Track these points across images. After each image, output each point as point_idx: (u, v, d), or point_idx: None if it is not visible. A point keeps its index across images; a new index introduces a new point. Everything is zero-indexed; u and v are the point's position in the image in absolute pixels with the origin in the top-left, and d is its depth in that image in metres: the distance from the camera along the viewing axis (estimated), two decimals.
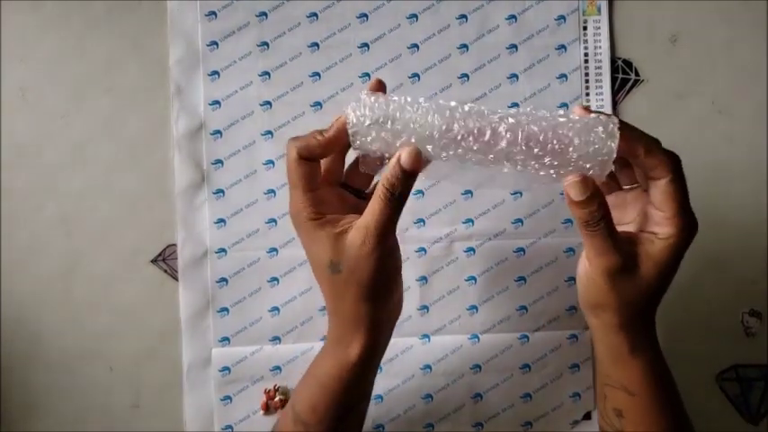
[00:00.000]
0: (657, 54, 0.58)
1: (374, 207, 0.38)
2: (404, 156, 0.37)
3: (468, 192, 0.57)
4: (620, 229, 0.39)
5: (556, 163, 0.36)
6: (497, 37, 0.57)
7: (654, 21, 0.58)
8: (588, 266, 0.39)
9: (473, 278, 0.57)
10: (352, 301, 0.39)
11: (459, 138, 0.37)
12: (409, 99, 0.38)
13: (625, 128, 0.37)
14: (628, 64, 0.58)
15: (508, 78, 0.57)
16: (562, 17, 0.57)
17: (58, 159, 0.56)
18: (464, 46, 0.57)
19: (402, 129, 0.37)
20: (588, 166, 0.36)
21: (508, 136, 0.36)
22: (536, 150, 0.36)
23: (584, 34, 0.57)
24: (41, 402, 0.56)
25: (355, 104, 0.38)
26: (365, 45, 0.56)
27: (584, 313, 0.42)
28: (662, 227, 0.38)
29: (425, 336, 0.57)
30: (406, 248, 0.57)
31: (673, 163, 0.37)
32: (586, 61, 0.57)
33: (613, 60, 0.57)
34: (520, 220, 0.57)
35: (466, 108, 0.37)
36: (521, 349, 0.57)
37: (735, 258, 0.58)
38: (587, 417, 0.57)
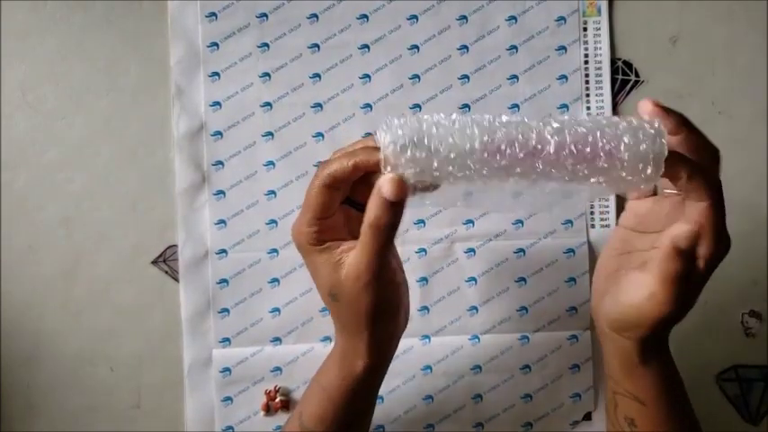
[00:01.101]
0: (657, 55, 0.58)
1: (363, 242, 0.36)
2: (385, 185, 0.35)
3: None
4: (650, 235, 0.39)
5: (606, 165, 0.34)
6: (497, 38, 0.57)
7: (654, 22, 0.58)
8: (640, 298, 0.37)
9: (473, 279, 0.57)
10: (353, 325, 0.39)
11: (503, 146, 0.34)
12: (442, 115, 0.35)
13: (683, 127, 0.35)
14: (628, 65, 0.58)
15: (508, 79, 0.57)
16: (562, 18, 0.57)
17: (59, 160, 0.56)
18: (464, 47, 0.57)
19: (439, 145, 0.34)
20: (641, 166, 0.34)
21: (556, 138, 0.34)
22: (587, 151, 0.34)
23: (585, 35, 0.57)
24: (41, 402, 0.56)
25: (385, 126, 0.35)
26: (365, 46, 0.56)
27: (595, 321, 0.41)
28: (698, 246, 0.36)
29: (426, 336, 0.57)
30: (407, 249, 0.57)
31: (714, 189, 0.35)
32: (586, 62, 0.57)
33: (613, 61, 0.57)
34: (520, 221, 0.57)
35: (503, 118, 0.35)
36: (521, 350, 0.57)
37: (735, 259, 0.57)
38: (587, 417, 0.58)
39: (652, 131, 0.34)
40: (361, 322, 0.38)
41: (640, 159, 0.34)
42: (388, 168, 0.35)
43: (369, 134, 0.55)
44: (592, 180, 0.35)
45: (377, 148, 0.36)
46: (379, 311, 0.38)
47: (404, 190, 0.35)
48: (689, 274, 0.36)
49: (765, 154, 0.58)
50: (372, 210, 0.35)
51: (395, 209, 0.35)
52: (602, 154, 0.34)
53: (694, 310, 0.57)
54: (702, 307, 0.58)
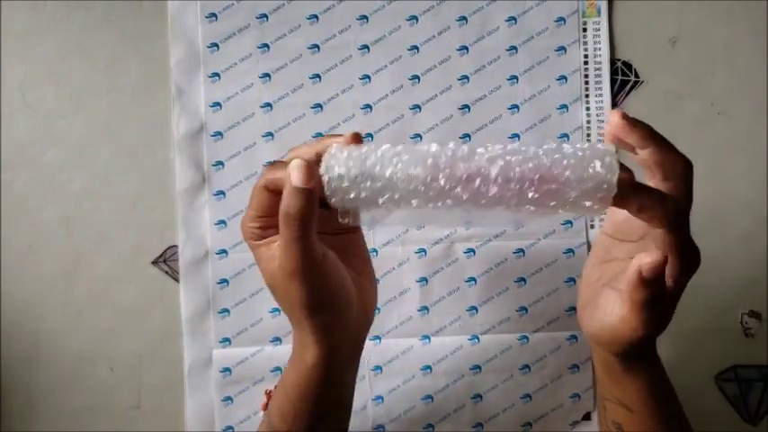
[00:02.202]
0: (657, 55, 0.58)
1: (281, 233, 0.36)
2: (292, 173, 0.34)
3: None
4: (628, 244, 0.39)
5: (553, 203, 0.34)
6: (497, 39, 0.57)
7: (653, 22, 0.58)
8: (614, 319, 0.37)
9: (473, 279, 0.57)
10: (294, 317, 0.39)
11: (447, 188, 0.34)
12: (386, 149, 0.34)
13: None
14: (627, 65, 0.58)
15: (508, 80, 0.57)
16: (562, 19, 0.57)
17: (59, 160, 0.56)
18: (464, 48, 0.57)
19: (383, 186, 0.34)
20: (588, 204, 0.33)
21: (499, 180, 0.33)
22: (530, 195, 0.33)
23: (584, 36, 0.57)
24: (41, 402, 0.56)
25: (329, 159, 0.35)
26: (365, 47, 0.56)
27: (580, 327, 0.41)
28: (669, 268, 0.35)
29: (425, 336, 0.57)
30: (407, 249, 0.57)
31: (668, 215, 0.34)
32: (586, 63, 0.57)
33: (613, 62, 0.58)
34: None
35: (449, 153, 0.34)
36: (520, 350, 0.57)
37: (734, 259, 0.58)
38: (587, 417, 0.58)
39: (601, 171, 0.33)
40: (296, 313, 0.38)
41: (586, 197, 0.33)
42: (333, 200, 0.35)
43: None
44: (538, 213, 0.34)
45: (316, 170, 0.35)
46: (313, 303, 0.37)
47: (311, 176, 0.34)
48: (658, 299, 0.35)
49: (765, 154, 0.58)
50: (284, 198, 0.35)
51: (304, 195, 0.34)
52: (546, 194, 0.33)
53: (694, 311, 0.57)
54: (702, 307, 0.58)
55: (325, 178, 0.35)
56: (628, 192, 0.33)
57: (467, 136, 0.57)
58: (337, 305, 0.39)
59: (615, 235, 0.41)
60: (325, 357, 0.39)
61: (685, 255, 0.35)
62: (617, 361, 0.39)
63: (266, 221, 0.38)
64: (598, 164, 0.33)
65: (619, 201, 0.33)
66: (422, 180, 0.34)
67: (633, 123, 0.35)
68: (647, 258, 0.34)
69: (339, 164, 0.34)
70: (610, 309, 0.38)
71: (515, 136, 0.57)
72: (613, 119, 0.36)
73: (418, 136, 0.57)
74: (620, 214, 0.39)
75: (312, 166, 0.35)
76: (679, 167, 0.35)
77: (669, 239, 0.34)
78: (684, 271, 0.35)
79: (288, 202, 0.34)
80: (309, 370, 0.39)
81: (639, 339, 0.36)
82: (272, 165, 0.37)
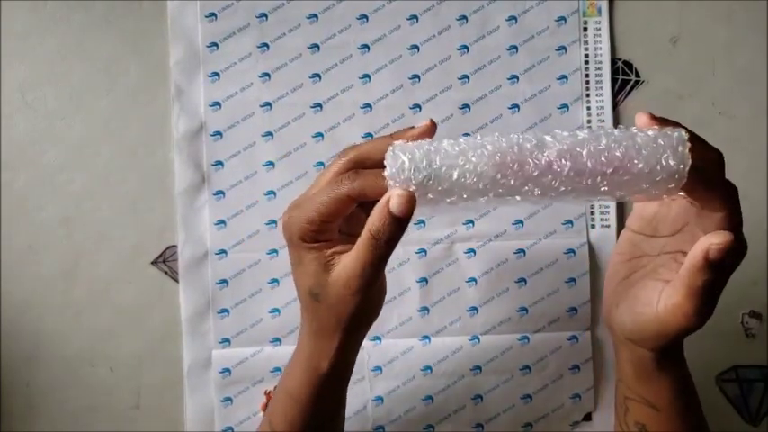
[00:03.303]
0: (658, 55, 0.58)
1: (359, 252, 0.35)
2: (394, 200, 0.33)
3: None
4: (659, 239, 0.38)
5: (621, 193, 0.33)
6: (497, 38, 0.57)
7: (654, 22, 0.58)
8: (662, 309, 0.36)
9: (473, 279, 0.57)
10: (329, 327, 0.38)
11: (517, 185, 0.33)
12: (449, 147, 0.33)
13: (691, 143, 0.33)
14: (628, 65, 0.58)
15: (508, 80, 0.57)
16: (562, 18, 0.57)
17: (59, 160, 0.56)
18: (464, 47, 0.57)
19: (450, 187, 0.33)
20: (656, 193, 0.33)
21: (571, 175, 0.32)
22: (602, 189, 0.33)
23: (585, 35, 0.57)
24: (41, 402, 0.56)
25: (392, 161, 0.34)
26: (365, 46, 0.56)
27: (609, 327, 0.40)
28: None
29: (426, 337, 0.57)
30: (407, 249, 0.57)
31: (729, 198, 0.34)
32: (587, 62, 0.57)
33: (614, 61, 0.57)
34: (520, 222, 0.57)
35: (515, 148, 0.33)
36: (521, 350, 0.57)
37: None
38: (587, 418, 0.57)
39: (673, 164, 0.32)
40: (337, 327, 0.38)
41: (658, 188, 0.33)
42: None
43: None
44: (604, 198, 0.34)
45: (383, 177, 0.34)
46: (358, 318, 0.38)
47: (412, 207, 0.34)
48: (717, 284, 0.35)
49: (765, 154, 0.58)
50: (376, 221, 0.34)
51: (400, 224, 0.34)
52: (617, 185, 0.33)
53: None
54: None
55: (390, 183, 0.34)
56: (697, 181, 0.33)
57: (467, 136, 0.56)
58: (374, 320, 0.39)
59: (644, 231, 0.40)
60: (342, 368, 0.40)
61: (739, 244, 0.34)
62: (652, 357, 0.38)
63: (327, 226, 0.36)
64: (670, 155, 0.32)
65: (688, 189, 0.33)
66: (491, 179, 0.33)
67: (663, 121, 0.34)
68: (715, 239, 0.33)
69: (405, 167, 0.33)
70: (655, 299, 0.36)
71: None
72: (642, 120, 0.34)
73: None
74: (650, 209, 0.39)
75: (415, 198, 0.33)
76: (715, 157, 0.35)
77: (726, 224, 0.34)
78: (736, 261, 0.35)
79: (380, 228, 0.34)
80: (323, 377, 0.39)
81: (690, 328, 0.35)
82: (359, 174, 0.35)
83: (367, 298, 0.37)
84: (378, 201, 0.34)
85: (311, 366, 0.39)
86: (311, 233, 0.36)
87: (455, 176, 0.33)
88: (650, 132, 0.33)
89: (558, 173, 0.32)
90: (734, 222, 0.34)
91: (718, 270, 0.34)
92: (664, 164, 0.32)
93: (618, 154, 0.32)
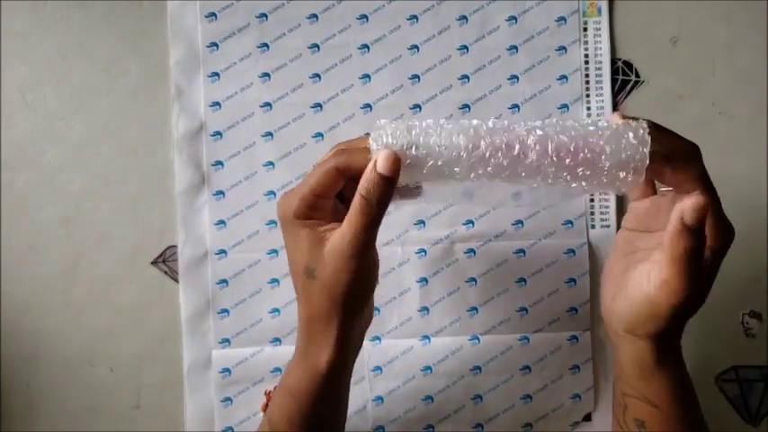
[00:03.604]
0: (658, 55, 0.58)
1: (351, 217, 0.37)
2: (380, 160, 0.36)
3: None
4: (653, 234, 0.39)
5: (588, 173, 0.35)
6: (497, 38, 0.57)
7: (654, 22, 0.58)
8: (655, 290, 0.36)
9: (473, 279, 0.57)
10: (324, 310, 0.38)
11: (487, 155, 0.35)
12: (430, 122, 0.37)
13: (657, 132, 0.35)
14: (628, 65, 0.58)
15: (508, 80, 0.57)
16: (562, 18, 0.57)
17: (58, 160, 0.56)
18: (464, 47, 0.57)
19: (427, 154, 0.36)
20: (622, 175, 0.35)
21: (537, 148, 0.35)
22: (567, 161, 0.35)
23: (585, 35, 0.57)
24: (41, 402, 0.56)
25: (375, 133, 0.37)
26: (365, 46, 0.56)
27: (608, 323, 0.41)
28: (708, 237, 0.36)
29: (425, 337, 0.57)
30: (407, 250, 0.57)
31: (699, 177, 0.36)
32: (587, 62, 0.57)
33: (614, 61, 0.57)
34: (520, 222, 0.57)
35: (490, 124, 0.36)
36: (521, 351, 0.57)
37: (735, 259, 0.57)
38: (587, 418, 0.57)
39: (635, 142, 0.35)
40: (332, 306, 0.38)
41: (621, 168, 0.35)
42: None
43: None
44: (573, 185, 0.36)
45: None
46: (353, 296, 0.38)
47: (398, 166, 0.36)
48: (699, 254, 0.35)
49: (765, 154, 0.58)
50: (365, 183, 0.36)
51: (388, 183, 0.36)
52: (582, 162, 0.35)
53: None
54: (702, 307, 0.57)
55: (373, 146, 0.37)
56: (660, 158, 0.35)
57: None
58: (365, 305, 0.40)
59: (638, 227, 0.41)
60: (340, 361, 0.39)
61: (720, 223, 0.36)
62: (651, 353, 0.38)
63: (318, 202, 0.38)
64: (631, 135, 0.35)
65: (653, 169, 0.35)
66: (464, 147, 0.36)
67: (633, 119, 0.36)
68: (688, 201, 0.34)
69: (386, 134, 0.36)
70: (645, 279, 0.37)
71: None
72: (612, 121, 0.37)
73: None
74: (642, 206, 0.41)
75: (399, 158, 0.36)
76: (689, 149, 0.37)
77: (705, 201, 0.34)
78: (720, 241, 0.36)
79: (370, 189, 0.36)
80: (323, 373, 0.39)
81: (679, 305, 0.36)
82: (344, 150, 0.38)
83: (361, 268, 0.37)
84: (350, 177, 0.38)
85: (309, 363, 0.40)
86: (304, 209, 0.38)
87: (431, 142, 0.36)
88: (615, 120, 0.36)
89: (525, 144, 0.35)
90: (712, 199, 0.36)
91: (697, 236, 0.34)
92: (624, 143, 0.35)
93: (582, 132, 0.35)
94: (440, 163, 0.36)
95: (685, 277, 0.35)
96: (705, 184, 0.36)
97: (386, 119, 0.38)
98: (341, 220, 0.38)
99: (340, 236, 0.37)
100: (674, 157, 0.36)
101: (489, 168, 0.36)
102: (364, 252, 0.37)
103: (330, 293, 0.38)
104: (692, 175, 0.36)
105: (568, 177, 0.36)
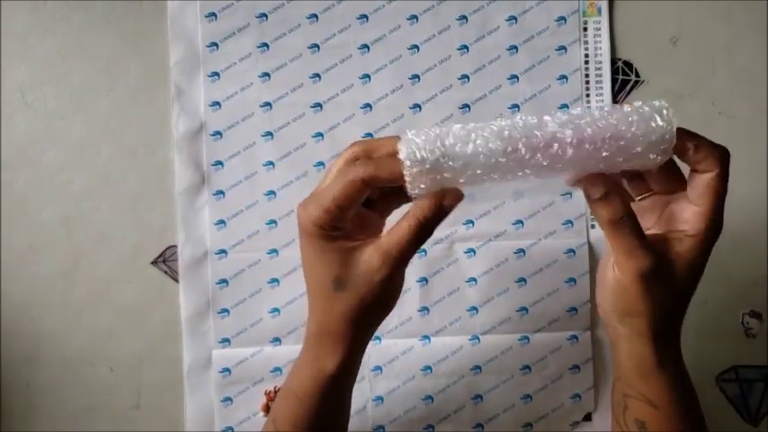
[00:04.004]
0: (658, 55, 0.58)
1: (401, 235, 0.36)
2: (449, 198, 0.36)
3: None
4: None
5: (620, 159, 0.35)
6: (497, 38, 0.57)
7: (654, 22, 0.58)
8: (618, 272, 0.38)
9: (473, 279, 0.57)
10: (344, 321, 0.38)
11: (527, 157, 0.35)
12: (458, 127, 0.35)
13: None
14: (628, 65, 0.58)
15: (508, 79, 0.57)
16: (562, 18, 0.57)
17: (59, 160, 0.56)
18: (464, 47, 0.57)
19: (464, 164, 0.35)
20: (652, 156, 0.36)
21: (575, 143, 0.34)
22: (603, 153, 0.35)
23: (585, 35, 0.57)
24: (41, 402, 0.56)
25: (408, 144, 0.35)
26: (365, 46, 0.56)
27: (606, 323, 0.41)
28: (692, 223, 0.37)
29: (426, 337, 0.57)
30: None
31: (722, 156, 0.36)
32: (587, 62, 0.57)
33: (614, 61, 0.57)
34: (520, 222, 0.57)
35: (520, 123, 0.35)
36: (521, 350, 0.57)
37: (735, 259, 0.58)
38: (587, 418, 0.57)
39: (662, 123, 0.35)
40: (357, 315, 0.38)
41: (652, 150, 0.35)
42: (410, 186, 0.36)
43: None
44: (603, 169, 0.36)
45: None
46: (379, 309, 0.39)
47: (459, 201, 0.37)
48: (657, 266, 0.37)
49: (765, 154, 0.58)
50: (424, 210, 0.36)
51: (445, 214, 0.37)
52: (617, 151, 0.35)
53: (695, 311, 0.57)
54: (703, 307, 0.58)
55: (406, 164, 0.35)
56: (686, 138, 0.36)
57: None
58: (383, 318, 0.40)
59: None
60: (348, 366, 0.40)
61: (717, 216, 0.37)
62: (649, 350, 0.38)
63: (343, 214, 0.37)
64: (658, 118, 0.35)
65: (678, 149, 0.36)
66: (502, 152, 0.35)
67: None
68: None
69: (419, 148, 0.35)
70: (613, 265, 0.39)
71: None
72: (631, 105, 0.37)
73: None
74: (635, 207, 0.40)
75: (463, 195, 0.36)
76: (719, 153, 0.37)
77: (716, 183, 0.36)
78: (710, 234, 0.37)
79: (428, 216, 0.36)
80: (331, 376, 0.39)
81: (648, 267, 0.36)
82: (370, 159, 0.36)
83: (396, 285, 0.38)
84: (390, 185, 0.36)
85: (318, 367, 0.40)
86: (329, 222, 0.37)
87: (468, 152, 0.35)
88: (635, 104, 0.36)
89: (563, 140, 0.34)
90: (723, 185, 0.36)
91: (728, 172, 0.37)
92: (653, 126, 0.35)
93: (613, 121, 0.35)
94: (478, 171, 0.35)
95: (632, 247, 0.37)
96: (724, 167, 0.36)
97: (414, 129, 0.36)
98: (363, 225, 0.38)
99: (384, 252, 0.37)
100: (697, 134, 0.36)
101: (527, 170, 0.35)
102: (402, 271, 0.38)
103: (358, 306, 0.38)
104: (714, 154, 0.36)
105: (602, 166, 0.36)
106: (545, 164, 0.35)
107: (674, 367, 0.40)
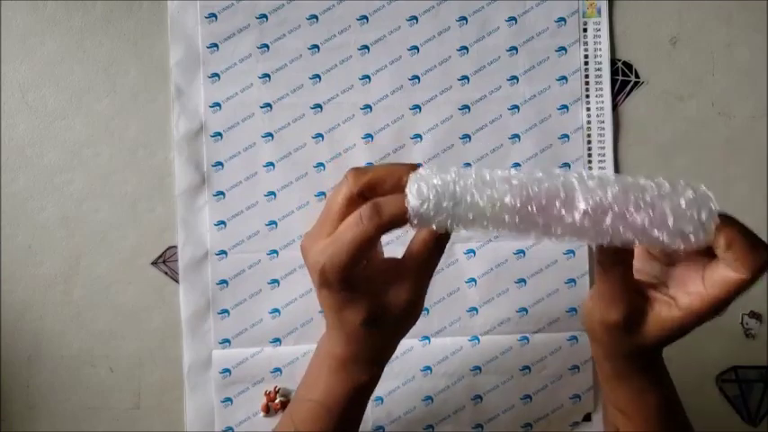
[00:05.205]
0: (657, 56, 0.58)
1: (421, 263, 0.37)
2: (440, 241, 0.37)
3: None
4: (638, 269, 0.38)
5: (640, 239, 0.32)
6: (497, 39, 0.57)
7: (654, 23, 0.58)
8: (591, 305, 0.37)
9: (473, 280, 0.57)
10: (379, 347, 0.40)
11: (537, 234, 0.33)
12: (480, 192, 0.33)
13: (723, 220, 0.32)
14: (628, 66, 0.58)
15: (508, 80, 0.57)
16: (562, 19, 0.57)
17: (59, 161, 0.56)
18: (464, 48, 0.57)
19: (470, 227, 0.34)
20: (675, 246, 0.32)
21: (591, 234, 0.32)
22: (628, 235, 0.32)
23: (585, 36, 0.57)
24: (41, 402, 0.56)
25: (418, 183, 0.33)
26: (365, 47, 0.56)
27: (587, 328, 0.41)
28: (690, 299, 0.34)
29: (425, 337, 0.57)
30: None
31: (757, 266, 0.32)
32: (586, 63, 0.57)
33: (613, 62, 0.57)
34: None
35: (543, 201, 0.32)
36: (521, 351, 0.57)
37: None
38: (587, 418, 0.58)
39: (694, 235, 0.31)
40: (392, 341, 0.40)
41: (677, 245, 0.32)
42: (416, 222, 0.34)
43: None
44: (620, 244, 0.33)
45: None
46: (410, 325, 0.40)
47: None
48: (626, 323, 0.36)
49: (765, 154, 0.58)
50: (428, 251, 0.37)
51: (444, 248, 0.38)
52: (637, 232, 0.32)
53: None
54: None
55: (414, 203, 0.33)
56: (724, 232, 0.32)
57: (467, 137, 0.57)
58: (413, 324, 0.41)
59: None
60: (380, 375, 0.42)
61: (726, 304, 0.34)
62: (608, 364, 0.39)
63: (361, 263, 0.36)
64: (694, 230, 0.32)
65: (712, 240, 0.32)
66: (513, 227, 0.33)
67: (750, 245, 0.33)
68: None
69: (429, 207, 0.33)
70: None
71: (516, 136, 0.57)
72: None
73: (418, 136, 0.56)
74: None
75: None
76: (760, 260, 0.33)
77: (739, 286, 0.33)
78: (701, 317, 0.35)
79: (441, 239, 0.37)
80: (363, 387, 0.41)
81: (617, 320, 0.36)
82: (377, 205, 0.34)
83: (419, 305, 0.39)
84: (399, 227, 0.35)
85: (352, 380, 0.40)
86: (351, 275, 0.36)
87: (478, 223, 0.33)
88: (682, 201, 0.32)
89: (578, 230, 0.32)
90: (747, 287, 0.33)
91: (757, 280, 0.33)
92: (685, 236, 0.32)
93: (640, 222, 0.32)
94: (485, 223, 0.33)
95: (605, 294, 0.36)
96: (755, 274, 0.33)
97: (421, 170, 0.34)
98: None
99: (408, 282, 0.38)
100: (739, 229, 0.33)
101: (533, 232, 0.33)
102: (425, 293, 0.39)
103: (392, 336, 0.40)
104: (750, 258, 0.32)
105: (618, 242, 0.33)
106: (553, 240, 0.33)
107: (638, 380, 0.39)
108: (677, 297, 0.35)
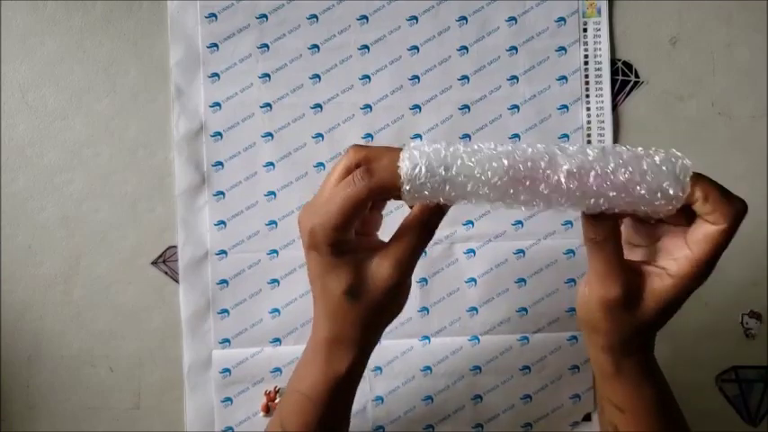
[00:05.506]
0: (657, 56, 0.58)
1: (408, 239, 0.37)
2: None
3: None
4: (626, 247, 0.38)
5: (624, 196, 0.34)
6: (497, 39, 0.57)
7: (654, 23, 0.58)
8: (587, 290, 0.38)
9: (473, 280, 0.57)
10: (357, 327, 0.39)
11: (526, 198, 0.34)
12: (469, 156, 0.34)
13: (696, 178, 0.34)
14: (628, 66, 0.58)
15: (508, 80, 0.57)
16: (562, 19, 0.57)
17: (59, 161, 0.56)
18: (464, 48, 0.57)
19: (462, 194, 0.35)
20: (652, 212, 0.34)
21: (577, 195, 0.34)
22: (603, 207, 0.34)
23: (584, 36, 0.57)
24: (41, 402, 0.56)
25: (411, 152, 0.35)
26: (365, 47, 0.56)
27: (579, 329, 0.42)
28: (679, 265, 0.36)
29: (425, 337, 0.57)
30: None
31: (734, 214, 0.35)
32: (586, 63, 0.57)
33: (613, 62, 0.57)
34: (520, 222, 0.57)
35: (529, 164, 0.34)
36: (521, 351, 0.57)
37: (734, 260, 0.57)
38: (587, 418, 0.58)
39: (672, 188, 0.34)
40: (370, 321, 0.39)
41: (659, 204, 0.34)
42: (408, 195, 0.35)
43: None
44: (606, 209, 0.35)
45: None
46: (391, 313, 0.40)
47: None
48: (624, 298, 0.36)
49: (765, 154, 0.58)
50: (426, 212, 0.37)
51: (444, 213, 0.37)
52: (621, 191, 0.34)
53: (694, 311, 0.57)
54: (702, 308, 0.58)
55: (405, 187, 0.35)
56: (698, 187, 0.34)
57: (467, 136, 0.57)
58: (393, 319, 0.41)
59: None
60: (359, 366, 0.41)
61: (710, 265, 0.35)
62: (606, 359, 0.39)
63: (351, 227, 0.37)
64: (672, 183, 0.34)
65: (687, 197, 0.34)
66: (503, 192, 0.34)
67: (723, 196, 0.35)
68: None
69: (421, 173, 0.34)
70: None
71: (516, 136, 0.57)
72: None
73: (418, 136, 0.56)
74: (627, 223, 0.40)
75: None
76: (735, 207, 0.35)
77: (720, 239, 0.34)
78: (692, 279, 0.35)
79: (430, 218, 0.37)
80: (343, 377, 0.40)
81: (614, 296, 0.36)
82: (370, 169, 0.35)
83: (404, 291, 0.39)
84: (391, 195, 0.36)
85: (331, 370, 0.40)
86: (340, 238, 0.37)
87: (469, 187, 0.34)
88: (656, 158, 0.34)
89: (565, 192, 0.34)
90: (728, 240, 0.35)
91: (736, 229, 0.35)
92: (664, 190, 0.34)
93: (622, 179, 0.34)
94: (473, 201, 0.35)
95: (604, 272, 0.36)
96: (734, 223, 0.35)
97: (416, 141, 0.36)
98: (362, 224, 0.39)
99: (393, 260, 0.37)
100: (711, 184, 0.35)
101: (523, 208, 0.35)
102: (412, 271, 0.38)
103: (371, 313, 0.39)
104: (726, 207, 0.35)
105: (605, 207, 0.34)
106: (541, 206, 0.35)
107: (636, 374, 0.39)
108: (667, 266, 0.36)
